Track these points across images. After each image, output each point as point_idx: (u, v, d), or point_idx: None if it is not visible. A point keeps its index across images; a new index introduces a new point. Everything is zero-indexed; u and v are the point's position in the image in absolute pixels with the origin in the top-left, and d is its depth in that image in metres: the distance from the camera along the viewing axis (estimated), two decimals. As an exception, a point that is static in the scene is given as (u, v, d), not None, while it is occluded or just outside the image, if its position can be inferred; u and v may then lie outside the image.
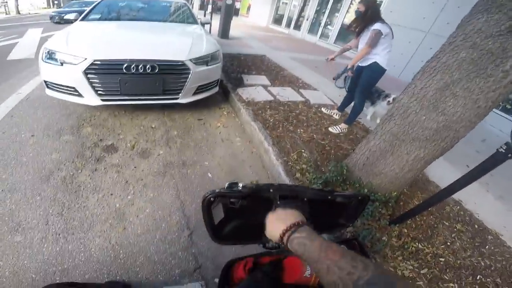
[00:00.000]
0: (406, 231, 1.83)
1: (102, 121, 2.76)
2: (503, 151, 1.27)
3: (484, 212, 2.22)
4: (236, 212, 0.60)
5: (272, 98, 3.50)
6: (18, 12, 26.75)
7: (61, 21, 11.38)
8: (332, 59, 3.17)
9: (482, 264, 1.73)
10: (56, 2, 47.56)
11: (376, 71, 2.81)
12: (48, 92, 2.69)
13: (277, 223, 0.55)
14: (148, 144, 2.52)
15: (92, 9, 3.92)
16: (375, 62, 2.77)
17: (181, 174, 2.24)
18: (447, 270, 1.64)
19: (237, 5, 18.88)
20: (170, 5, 4.74)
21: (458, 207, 2.22)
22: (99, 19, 3.70)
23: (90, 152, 2.34)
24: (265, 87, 3.90)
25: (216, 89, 3.21)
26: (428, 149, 1.75)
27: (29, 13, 27.59)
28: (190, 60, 2.72)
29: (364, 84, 2.89)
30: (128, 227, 1.74)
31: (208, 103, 3.34)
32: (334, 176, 2.05)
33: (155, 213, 1.88)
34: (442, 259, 1.70)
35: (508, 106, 4.98)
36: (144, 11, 4.28)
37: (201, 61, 2.84)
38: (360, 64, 2.93)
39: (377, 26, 2.70)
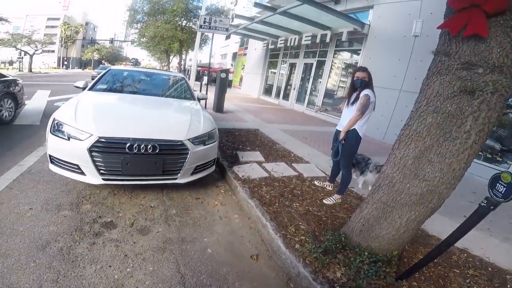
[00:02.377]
0: (416, 284, 1.85)
1: (102, 199, 2.79)
2: (485, 205, 1.41)
3: (494, 255, 2.27)
4: None
5: (267, 175, 3.70)
6: (30, 70, 28.05)
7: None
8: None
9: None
10: (65, 63, 50.89)
11: (353, 138, 2.86)
12: (52, 167, 2.72)
13: None
14: (147, 222, 2.53)
15: (100, 78, 4.15)
16: (353, 129, 2.82)
17: (180, 250, 2.22)
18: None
19: (230, 76, 20.26)
20: (169, 78, 5.05)
21: (465, 254, 2.29)
22: (105, 90, 3.94)
23: (89, 227, 2.32)
24: (259, 163, 4.13)
25: (213, 168, 3.36)
26: (418, 211, 1.88)
27: (40, 72, 29.07)
28: (189, 139, 2.84)
29: (345, 155, 2.99)
30: (128, 298, 1.65)
31: (206, 182, 3.47)
32: (332, 244, 2.12)
33: (155, 285, 1.82)
34: (464, 304, 1.66)
35: (489, 155, 5.34)
36: (146, 83, 4.56)
37: (198, 140, 2.96)
38: (338, 128, 3.07)
39: (367, 92, 2.73)
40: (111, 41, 52.82)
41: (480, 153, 5.43)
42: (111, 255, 2.03)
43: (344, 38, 8.84)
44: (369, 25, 8.48)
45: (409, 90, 6.65)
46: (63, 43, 54.12)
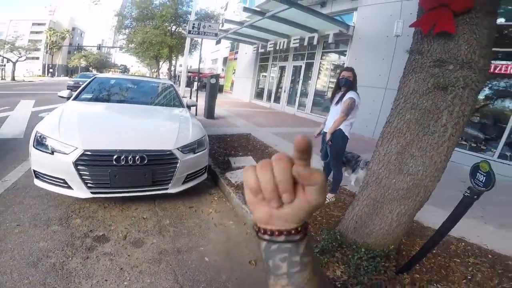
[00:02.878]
0: (418, 276, 1.87)
1: (92, 212, 2.73)
2: (468, 195, 1.45)
3: (491, 242, 2.30)
4: None
5: (260, 179, 3.69)
6: (13, 79, 26.49)
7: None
8: (318, 135, 3.30)
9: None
10: (51, 70, 48.99)
11: (339, 138, 2.93)
12: (37, 182, 2.62)
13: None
14: (141, 234, 2.49)
15: (85, 87, 4.03)
16: (339, 130, 2.89)
17: (177, 260, 2.20)
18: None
19: (221, 81, 19.99)
20: (157, 85, 4.96)
21: (462, 243, 2.32)
22: (90, 100, 3.83)
23: (81, 242, 2.27)
24: (252, 168, 4.11)
25: (205, 176, 3.30)
26: (407, 205, 1.92)
27: (24, 80, 27.76)
28: (178, 148, 2.79)
29: (333, 155, 3.07)
30: (127, 312, 1.62)
31: (198, 190, 3.43)
32: (329, 243, 2.14)
33: (154, 298, 1.78)
34: (471, 293, 1.68)
35: (473, 145, 5.50)
36: (133, 92, 4.48)
37: (188, 148, 2.91)
38: (324, 130, 3.12)
39: (352, 94, 2.81)
40: (99, 47, 50.89)
41: (465, 142, 5.62)
42: (106, 269, 1.99)
43: (330, 40, 8.99)
44: (354, 26, 8.66)
45: (393, 88, 6.65)
46: (48, 49, 52.14)
